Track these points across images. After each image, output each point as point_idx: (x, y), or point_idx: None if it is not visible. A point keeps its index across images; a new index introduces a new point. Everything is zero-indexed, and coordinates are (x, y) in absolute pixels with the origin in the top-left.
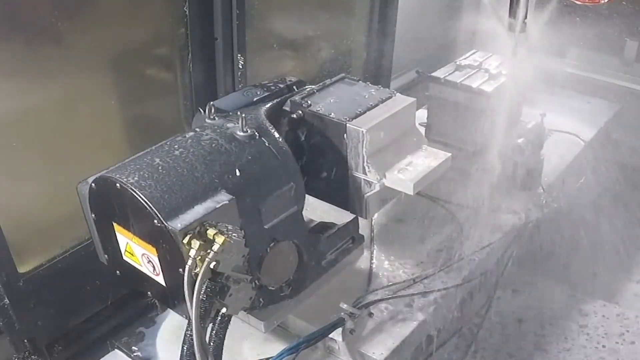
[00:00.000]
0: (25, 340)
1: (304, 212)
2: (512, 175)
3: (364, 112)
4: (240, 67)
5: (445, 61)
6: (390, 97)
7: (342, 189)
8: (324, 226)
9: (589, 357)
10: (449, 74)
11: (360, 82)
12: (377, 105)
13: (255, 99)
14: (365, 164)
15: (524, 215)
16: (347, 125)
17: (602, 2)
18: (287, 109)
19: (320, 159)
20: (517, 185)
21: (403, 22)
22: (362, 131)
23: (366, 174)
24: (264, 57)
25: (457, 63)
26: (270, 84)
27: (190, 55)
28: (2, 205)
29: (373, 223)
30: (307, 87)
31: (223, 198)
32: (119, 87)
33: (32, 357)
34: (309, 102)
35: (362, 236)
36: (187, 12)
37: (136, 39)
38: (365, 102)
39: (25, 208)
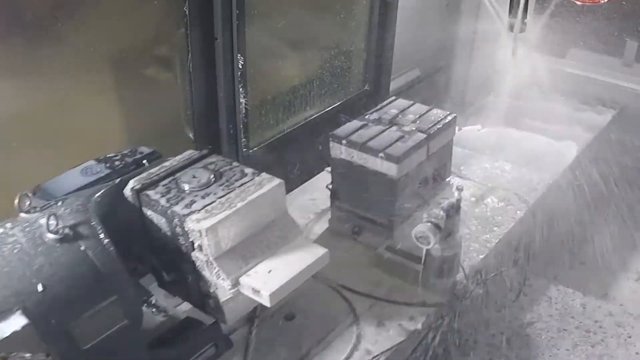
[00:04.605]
0: None
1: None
2: (422, 264)
3: (210, 204)
4: (240, 67)
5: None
6: (251, 180)
7: (194, 290)
8: (178, 331)
9: (589, 356)
10: (354, 131)
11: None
12: (231, 190)
13: (93, 179)
14: (213, 266)
15: (434, 311)
16: (186, 220)
17: (602, 2)
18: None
19: (165, 252)
20: (430, 274)
21: (403, 22)
22: (202, 230)
23: (217, 279)
24: (264, 57)
25: (367, 117)
26: (117, 158)
27: (190, 55)
28: (1, 205)
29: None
30: (153, 169)
31: (16, 323)
32: (119, 87)
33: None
34: (149, 195)
35: (229, 341)
36: (187, 12)
37: (136, 39)
38: (217, 189)
39: None
